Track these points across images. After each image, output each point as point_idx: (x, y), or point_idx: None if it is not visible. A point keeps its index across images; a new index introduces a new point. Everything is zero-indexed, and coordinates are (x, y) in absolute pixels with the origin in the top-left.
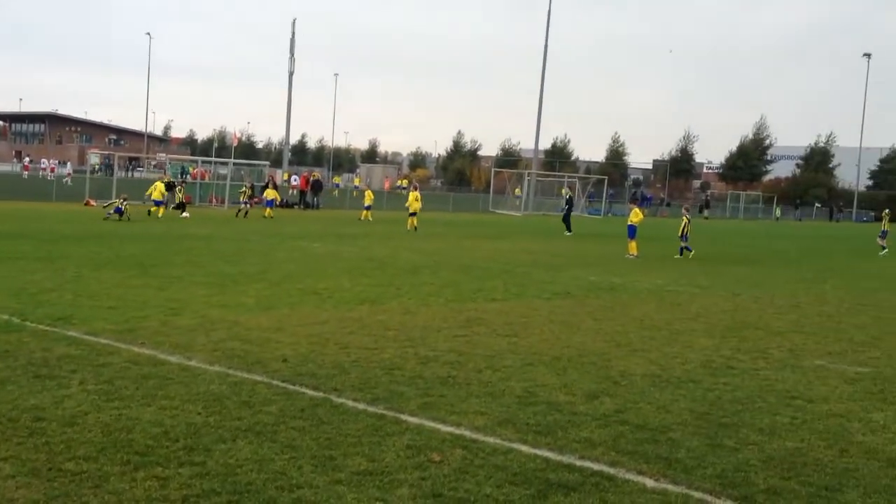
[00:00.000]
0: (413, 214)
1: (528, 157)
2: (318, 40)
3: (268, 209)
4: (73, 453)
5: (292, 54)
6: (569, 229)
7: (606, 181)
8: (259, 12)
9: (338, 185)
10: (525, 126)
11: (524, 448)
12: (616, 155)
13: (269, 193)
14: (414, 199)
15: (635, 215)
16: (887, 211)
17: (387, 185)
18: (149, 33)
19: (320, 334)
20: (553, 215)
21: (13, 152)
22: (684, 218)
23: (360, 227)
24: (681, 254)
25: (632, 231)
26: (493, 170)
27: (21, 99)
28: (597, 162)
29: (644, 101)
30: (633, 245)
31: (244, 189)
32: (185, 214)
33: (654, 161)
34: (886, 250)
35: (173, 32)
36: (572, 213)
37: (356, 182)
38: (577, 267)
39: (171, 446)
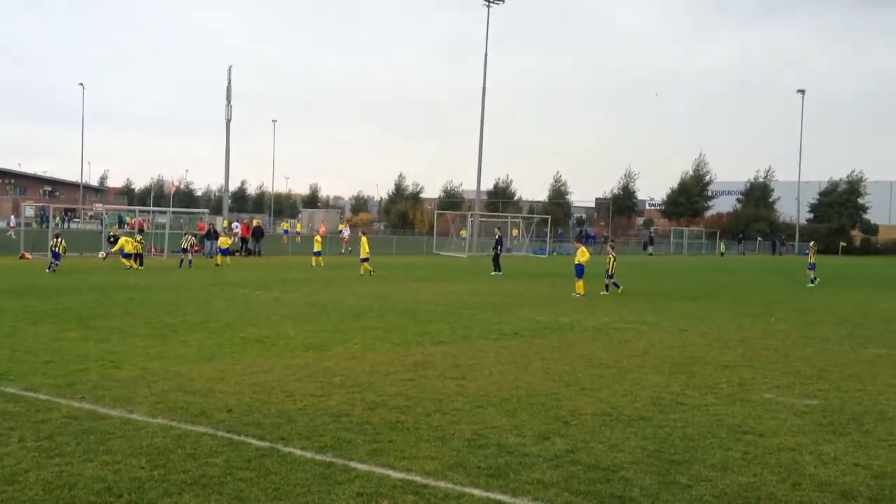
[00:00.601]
0: (365, 259)
1: (471, 199)
2: (255, 87)
3: (220, 256)
4: None
5: (229, 101)
6: (497, 269)
7: (550, 220)
8: (194, 59)
9: (286, 231)
10: (466, 167)
11: (476, 492)
12: (559, 194)
13: (224, 241)
14: (366, 243)
15: (582, 254)
16: (813, 243)
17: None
18: (81, 83)
19: (265, 383)
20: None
21: None
22: (610, 255)
23: (303, 272)
24: (607, 290)
25: (579, 270)
26: (436, 212)
27: None
28: (540, 201)
29: (584, 140)
30: (579, 284)
31: (186, 237)
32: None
33: (597, 199)
34: (814, 283)
35: (106, 82)
36: (501, 253)
37: (298, 228)
38: (523, 307)
39: (114, 502)
